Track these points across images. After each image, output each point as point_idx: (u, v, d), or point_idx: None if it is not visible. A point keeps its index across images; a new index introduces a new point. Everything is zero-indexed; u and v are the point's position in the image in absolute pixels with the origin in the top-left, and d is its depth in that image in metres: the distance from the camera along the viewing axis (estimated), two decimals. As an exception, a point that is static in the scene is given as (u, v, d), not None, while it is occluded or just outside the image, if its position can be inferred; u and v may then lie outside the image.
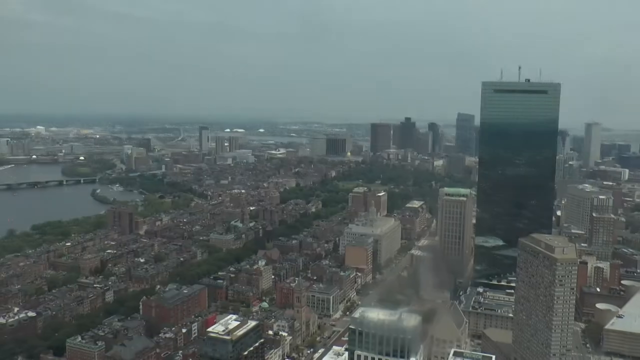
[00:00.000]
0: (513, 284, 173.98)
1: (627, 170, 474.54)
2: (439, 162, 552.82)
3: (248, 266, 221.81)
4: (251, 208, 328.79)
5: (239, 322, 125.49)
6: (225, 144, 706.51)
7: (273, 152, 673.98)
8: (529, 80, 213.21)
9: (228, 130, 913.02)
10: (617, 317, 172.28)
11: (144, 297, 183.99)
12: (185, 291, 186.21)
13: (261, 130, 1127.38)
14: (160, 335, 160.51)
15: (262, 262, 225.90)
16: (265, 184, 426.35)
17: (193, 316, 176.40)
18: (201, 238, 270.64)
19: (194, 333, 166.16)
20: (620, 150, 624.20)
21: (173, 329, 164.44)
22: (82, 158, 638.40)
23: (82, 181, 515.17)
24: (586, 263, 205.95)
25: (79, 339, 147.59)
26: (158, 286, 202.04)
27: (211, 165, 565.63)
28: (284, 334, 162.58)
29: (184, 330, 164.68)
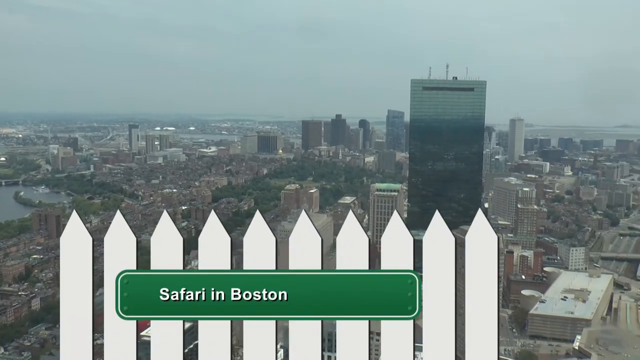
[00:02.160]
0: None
1: (547, 164, 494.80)
2: (370, 158, 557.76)
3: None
4: (183, 207, 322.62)
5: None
6: (156, 143, 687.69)
7: (204, 150, 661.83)
8: (456, 78, 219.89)
9: (158, 128, 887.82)
10: (540, 302, 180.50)
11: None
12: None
13: (192, 128, 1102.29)
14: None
15: (195, 262, 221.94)
16: (197, 183, 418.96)
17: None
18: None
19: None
20: (542, 144, 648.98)
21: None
22: (3, 159, 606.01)
23: (3, 183, 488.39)
24: (512, 252, 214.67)
25: (2, 350, 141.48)
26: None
27: (141, 164, 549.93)
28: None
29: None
